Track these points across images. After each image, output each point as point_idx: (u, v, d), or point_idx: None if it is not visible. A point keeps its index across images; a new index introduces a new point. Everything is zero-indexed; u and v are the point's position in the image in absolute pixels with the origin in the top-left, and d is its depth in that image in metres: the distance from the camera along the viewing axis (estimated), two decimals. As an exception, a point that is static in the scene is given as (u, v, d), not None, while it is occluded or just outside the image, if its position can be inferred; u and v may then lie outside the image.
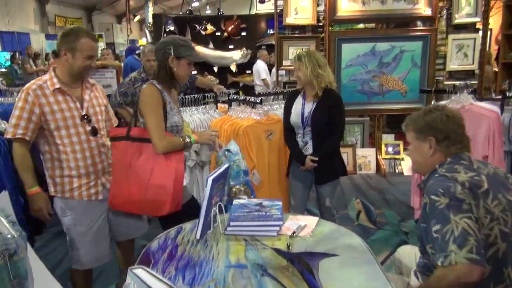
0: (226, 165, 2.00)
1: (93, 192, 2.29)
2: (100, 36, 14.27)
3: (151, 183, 2.15)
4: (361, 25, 5.04)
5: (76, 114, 2.20)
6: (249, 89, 7.05)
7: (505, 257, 1.55)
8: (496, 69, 5.64)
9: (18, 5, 11.46)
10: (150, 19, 11.88)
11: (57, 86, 2.15)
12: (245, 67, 7.66)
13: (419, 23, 4.87)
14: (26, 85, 2.16)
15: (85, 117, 2.22)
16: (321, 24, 4.86)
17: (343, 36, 4.84)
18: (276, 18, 4.89)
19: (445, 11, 4.78)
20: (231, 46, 7.64)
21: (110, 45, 14.39)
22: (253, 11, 8.39)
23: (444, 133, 1.69)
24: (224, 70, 7.65)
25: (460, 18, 4.72)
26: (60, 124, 2.15)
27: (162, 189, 2.14)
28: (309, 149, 2.80)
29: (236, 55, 7.59)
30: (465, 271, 1.43)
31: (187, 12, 8.17)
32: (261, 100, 2.95)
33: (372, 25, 5.25)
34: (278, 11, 4.95)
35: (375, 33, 4.93)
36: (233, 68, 7.66)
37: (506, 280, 1.54)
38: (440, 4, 4.73)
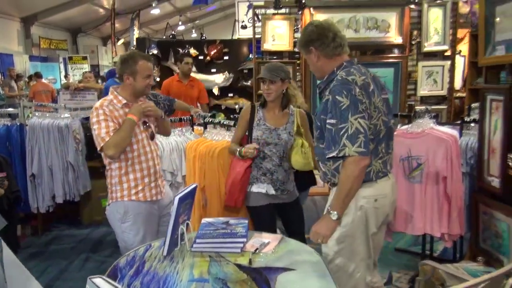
0: (194, 185, 2.10)
1: (154, 193, 2.56)
2: (85, 58, 14.36)
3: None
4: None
5: (139, 123, 2.51)
6: (231, 112, 7.18)
7: (382, 138, 2.04)
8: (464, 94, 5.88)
9: (2, 26, 11.52)
10: (135, 42, 12.06)
11: (124, 101, 2.48)
12: (228, 90, 7.80)
13: (395, 50, 5.06)
14: (96, 104, 2.46)
15: (146, 123, 2.57)
16: (297, 50, 5.04)
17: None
18: (254, 44, 5.07)
19: (415, 40, 5.00)
20: (213, 70, 7.78)
21: (95, 67, 14.47)
22: (236, 36, 8.62)
23: (319, 40, 2.03)
24: (207, 93, 7.78)
25: (429, 46, 4.94)
26: None
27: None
28: None
29: (218, 79, 7.73)
30: (358, 160, 1.87)
31: (170, 36, 8.34)
32: (234, 123, 3.06)
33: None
34: (257, 37, 5.13)
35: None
36: (216, 91, 7.79)
37: (380, 154, 2.04)
38: (412, 32, 4.95)
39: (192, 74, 7.69)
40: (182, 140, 3.42)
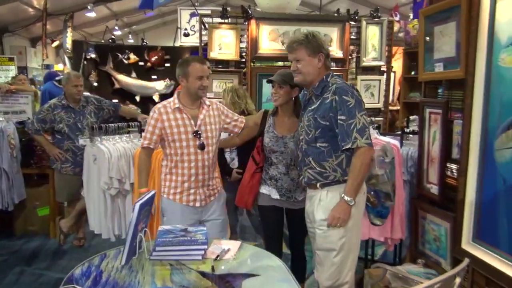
0: (153, 192, 2.06)
1: (192, 199, 2.64)
2: (12, 59, 13.47)
3: None
4: (280, 63, 5.35)
5: (189, 130, 2.58)
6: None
7: None
8: (398, 107, 6.27)
9: None
10: (68, 45, 11.53)
11: (177, 105, 2.59)
12: (168, 97, 7.67)
13: (337, 64, 5.27)
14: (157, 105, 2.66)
15: (196, 133, 2.57)
16: (243, 60, 5.12)
17: (263, 72, 5.12)
18: (200, 52, 5.06)
19: (354, 54, 5.27)
20: (154, 76, 7.64)
21: (22, 70, 13.61)
22: (178, 43, 8.54)
23: (326, 50, 2.32)
24: (146, 100, 7.62)
25: (367, 61, 5.22)
26: (175, 137, 2.56)
27: None
28: (235, 164, 3.39)
29: (159, 86, 7.60)
30: (367, 150, 2.17)
31: (110, 40, 8.08)
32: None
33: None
34: (203, 45, 5.13)
35: (293, 71, 5.27)
36: (156, 98, 7.65)
37: None
38: (351, 47, 5.21)
39: (132, 80, 7.55)
40: (130, 146, 3.33)
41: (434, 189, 2.76)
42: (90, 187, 3.39)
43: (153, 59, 7.65)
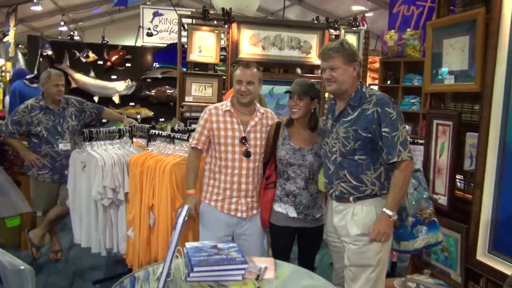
0: (186, 207, 1.90)
1: (233, 208, 2.55)
2: None
3: None
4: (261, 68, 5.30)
5: (237, 135, 2.53)
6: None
7: None
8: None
9: None
10: (11, 39, 10.73)
11: (228, 108, 2.55)
12: (129, 98, 7.35)
13: (316, 71, 5.27)
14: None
15: (243, 139, 2.51)
16: (222, 63, 4.99)
17: (243, 77, 5.01)
18: (179, 54, 4.86)
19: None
20: (114, 77, 7.26)
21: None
22: (139, 43, 8.21)
23: (360, 60, 2.31)
24: (105, 101, 7.22)
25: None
26: (221, 140, 2.51)
27: None
28: None
29: (120, 86, 7.23)
30: (410, 163, 2.16)
31: (68, 37, 7.60)
32: (188, 137, 2.87)
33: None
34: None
35: (273, 77, 5.23)
36: (116, 99, 7.28)
37: None
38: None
39: (90, 80, 7.13)
40: (124, 153, 3.10)
41: (442, 200, 2.79)
42: (77, 196, 3.11)
43: (113, 58, 7.27)
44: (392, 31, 5.36)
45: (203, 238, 2.58)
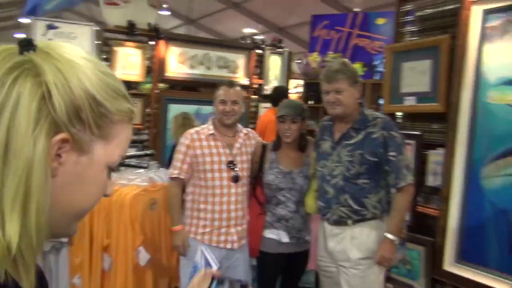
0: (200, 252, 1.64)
1: (223, 240, 2.36)
2: None
3: None
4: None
5: (223, 160, 2.38)
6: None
7: None
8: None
9: None
10: None
11: (211, 132, 2.39)
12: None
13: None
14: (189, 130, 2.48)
15: (230, 163, 2.34)
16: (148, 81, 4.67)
17: (170, 96, 4.74)
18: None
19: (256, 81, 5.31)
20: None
21: None
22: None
23: (361, 81, 2.32)
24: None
25: (269, 89, 5.32)
26: (207, 167, 2.34)
27: None
28: None
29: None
30: (412, 188, 2.22)
31: None
32: (148, 164, 2.57)
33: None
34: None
35: (201, 97, 5.03)
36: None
37: None
38: (254, 75, 5.24)
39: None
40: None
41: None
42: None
43: None
44: (315, 53, 5.58)
45: (185, 275, 2.32)
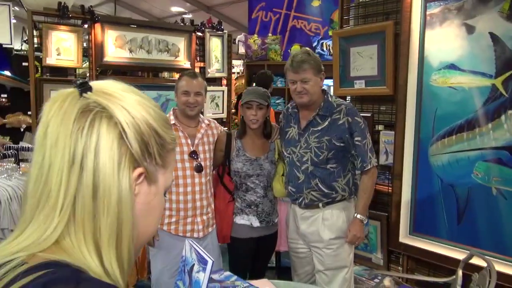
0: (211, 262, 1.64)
1: (189, 229, 2.35)
2: None
3: None
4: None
5: (185, 150, 2.35)
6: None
7: None
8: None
9: None
10: None
11: (173, 122, 2.35)
12: None
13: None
14: None
15: (193, 153, 2.33)
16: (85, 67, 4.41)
17: (111, 83, 4.53)
18: (32, 58, 4.07)
19: (198, 64, 5.22)
20: None
21: None
22: None
23: (323, 69, 2.35)
24: None
25: (212, 72, 5.26)
26: None
27: None
28: None
29: None
30: (376, 169, 2.35)
31: None
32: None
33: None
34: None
35: (144, 82, 4.87)
36: None
37: None
38: (197, 59, 5.14)
39: None
40: (17, 184, 2.47)
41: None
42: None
43: None
44: (255, 35, 5.57)
45: (155, 267, 2.31)
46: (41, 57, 4.10)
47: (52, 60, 4.14)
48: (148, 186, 0.64)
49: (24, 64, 5.06)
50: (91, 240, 0.55)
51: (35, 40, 4.09)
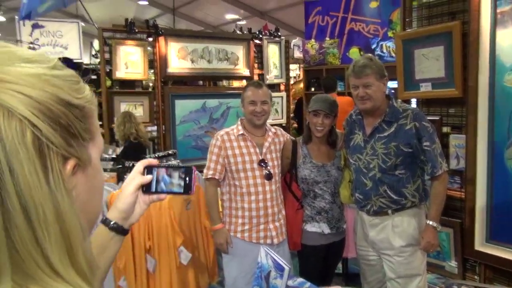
0: (288, 268, 1.68)
1: (262, 236, 2.42)
2: None
3: None
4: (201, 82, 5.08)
5: (254, 159, 2.41)
6: None
7: None
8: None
9: None
10: None
11: (241, 132, 2.42)
12: None
13: (244, 81, 5.21)
14: (219, 131, 2.53)
15: (262, 162, 2.38)
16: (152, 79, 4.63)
17: (176, 93, 4.72)
18: (103, 72, 4.34)
19: (256, 71, 5.30)
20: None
21: None
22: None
23: (387, 75, 2.31)
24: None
25: (270, 79, 5.33)
26: (239, 167, 2.38)
27: None
28: None
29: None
30: (447, 174, 2.28)
31: None
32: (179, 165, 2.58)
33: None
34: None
35: (205, 91, 5.03)
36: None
37: None
38: (255, 66, 5.23)
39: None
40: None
41: (430, 199, 2.98)
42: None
43: None
44: (313, 40, 5.58)
45: (229, 273, 2.38)
46: (107, 70, 4.35)
47: (121, 73, 4.39)
48: (84, 172, 0.52)
49: (93, 77, 5.40)
50: (45, 265, 0.45)
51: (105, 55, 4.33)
